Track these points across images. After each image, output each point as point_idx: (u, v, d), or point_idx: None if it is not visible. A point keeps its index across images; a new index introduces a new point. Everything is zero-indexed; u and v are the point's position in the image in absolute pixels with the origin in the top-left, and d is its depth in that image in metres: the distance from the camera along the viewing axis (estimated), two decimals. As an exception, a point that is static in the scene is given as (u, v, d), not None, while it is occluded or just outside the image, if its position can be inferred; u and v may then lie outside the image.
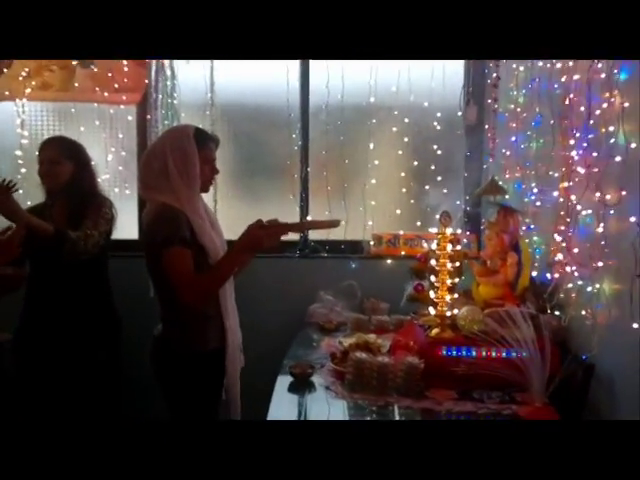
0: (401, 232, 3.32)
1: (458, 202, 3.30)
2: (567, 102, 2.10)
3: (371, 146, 3.29)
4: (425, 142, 3.30)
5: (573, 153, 2.07)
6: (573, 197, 2.07)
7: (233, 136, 3.34)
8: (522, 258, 2.34)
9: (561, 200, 2.12)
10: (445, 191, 3.32)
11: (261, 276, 3.05)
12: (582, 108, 1.97)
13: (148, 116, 3.20)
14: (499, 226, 2.40)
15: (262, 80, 3.28)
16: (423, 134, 3.30)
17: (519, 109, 2.63)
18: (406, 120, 3.27)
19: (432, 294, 2.27)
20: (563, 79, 2.14)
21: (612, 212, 1.84)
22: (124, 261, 3.12)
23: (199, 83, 3.23)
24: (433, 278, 2.26)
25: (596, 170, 1.91)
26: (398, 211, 3.32)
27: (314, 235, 3.37)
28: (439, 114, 3.26)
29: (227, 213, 3.29)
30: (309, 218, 3.34)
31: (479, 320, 2.25)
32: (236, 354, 2.19)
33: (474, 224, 3.30)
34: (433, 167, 3.29)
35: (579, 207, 2.05)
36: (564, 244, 2.15)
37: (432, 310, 2.27)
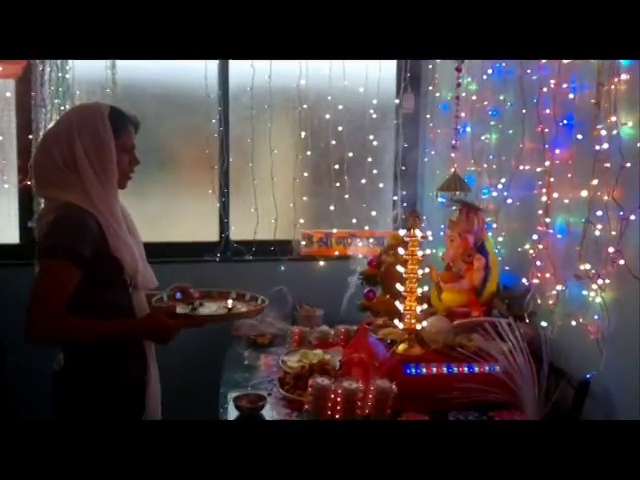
0: (334, 230, 3.01)
1: (395, 197, 3.05)
2: (545, 89, 1.89)
3: (302, 135, 2.94)
4: (360, 131, 3.01)
5: (548, 147, 1.86)
6: (555, 194, 1.87)
7: (139, 119, 2.82)
8: (490, 261, 2.13)
9: (543, 198, 1.90)
10: (381, 185, 3.06)
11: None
12: (571, 95, 1.76)
13: (32, 93, 2.61)
14: (462, 226, 2.17)
15: (175, 55, 2.79)
16: (358, 122, 3.00)
17: (474, 97, 2.41)
18: (340, 107, 2.96)
19: (398, 304, 1.98)
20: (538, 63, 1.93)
21: (610, 212, 1.65)
22: (3, 271, 2.58)
23: (98, 55, 2.68)
24: (400, 287, 1.97)
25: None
26: (331, 207, 3.00)
27: (237, 235, 2.97)
28: (375, 101, 2.98)
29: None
30: (232, 229, 2.93)
31: (447, 331, 2.01)
32: (157, 385, 1.79)
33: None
34: (370, 159, 3.01)
35: (561, 205, 1.85)
36: (540, 246, 1.94)
37: (398, 323, 1.98)
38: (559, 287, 1.86)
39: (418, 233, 1.91)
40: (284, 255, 2.95)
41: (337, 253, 3.00)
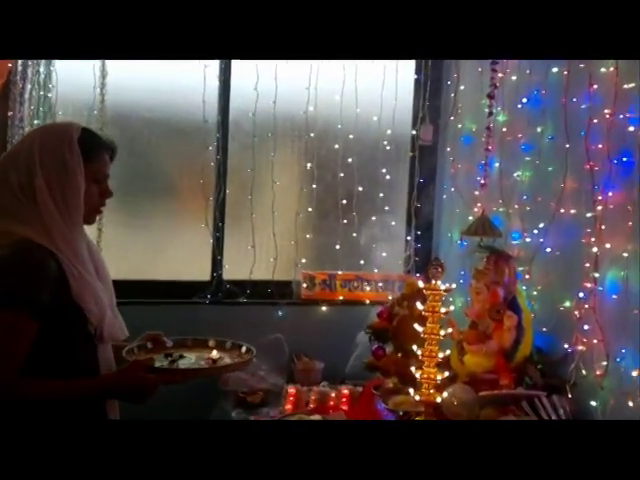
0: (339, 272, 2.71)
1: (409, 238, 2.75)
2: (596, 120, 1.60)
3: (308, 166, 2.66)
4: (372, 164, 2.73)
5: (599, 188, 1.56)
6: (607, 245, 1.56)
7: (128, 145, 2.56)
8: (523, 319, 1.81)
9: (592, 249, 1.59)
10: (393, 224, 2.77)
11: (160, 328, 2.24)
12: (631, 128, 1.47)
13: (10, 112, 2.34)
14: (490, 276, 1.86)
15: (170, 74, 2.54)
16: (370, 154, 2.73)
17: (504, 129, 2.12)
18: (351, 136, 2.69)
19: (413, 370, 1.66)
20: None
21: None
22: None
23: (85, 72, 2.42)
24: (416, 348, 1.64)
25: None
26: (337, 246, 2.70)
27: (231, 274, 2.66)
28: (389, 131, 2.71)
29: (116, 247, 2.51)
30: (226, 267, 2.63)
31: (472, 404, 1.68)
32: None
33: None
34: (381, 194, 2.72)
35: (614, 258, 1.54)
36: (587, 305, 1.63)
37: (414, 393, 1.65)
38: (610, 357, 1.53)
39: (441, 285, 1.60)
40: (282, 298, 2.65)
41: (341, 298, 2.69)
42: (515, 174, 2.07)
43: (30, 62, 2.37)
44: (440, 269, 1.61)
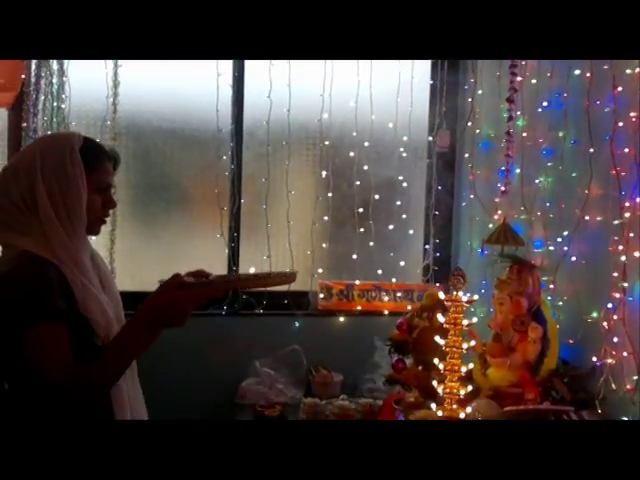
0: (356, 282, 2.66)
1: (427, 246, 2.70)
2: (622, 124, 1.54)
3: (323, 174, 2.62)
4: (388, 171, 2.69)
5: (626, 194, 1.50)
6: (636, 253, 1.49)
7: (142, 155, 2.55)
8: (548, 331, 1.74)
9: (620, 258, 1.53)
10: (411, 232, 2.72)
11: (174, 341, 2.20)
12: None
13: (24, 123, 2.34)
14: (513, 286, 1.80)
15: (183, 83, 2.53)
16: (386, 162, 2.68)
17: (524, 134, 2.07)
18: (366, 144, 2.64)
19: (435, 384, 1.60)
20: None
21: None
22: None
23: (98, 83, 2.41)
24: (438, 362, 1.59)
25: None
26: (354, 255, 2.64)
27: (246, 285, 2.62)
28: (405, 138, 2.66)
29: (129, 258, 2.49)
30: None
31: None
32: None
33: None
34: (398, 202, 2.67)
35: None
36: (615, 316, 1.56)
37: (436, 408, 1.59)
38: (642, 371, 1.47)
39: (463, 296, 1.55)
40: (299, 309, 2.60)
41: (359, 308, 2.64)
42: (537, 180, 2.01)
43: (43, 73, 2.37)
44: (462, 279, 1.56)
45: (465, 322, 1.54)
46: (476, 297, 1.60)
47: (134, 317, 1.34)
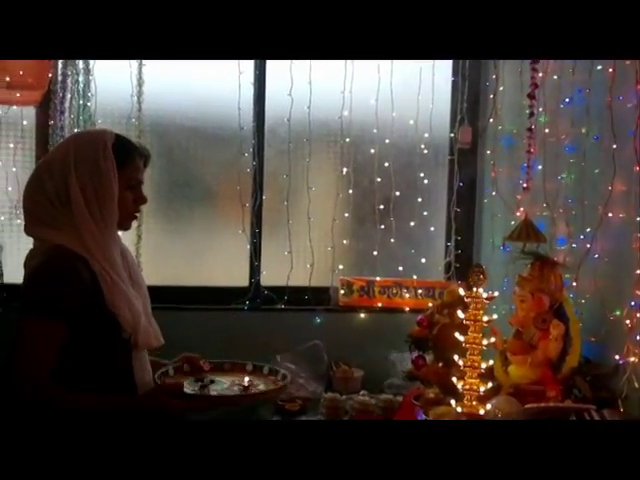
0: (377, 278, 2.66)
1: (449, 244, 2.69)
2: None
3: (344, 171, 2.63)
4: (409, 168, 2.68)
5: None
6: (660, 250, 1.48)
7: (166, 152, 2.59)
8: (570, 328, 1.73)
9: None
10: (432, 229, 2.71)
11: (198, 335, 2.25)
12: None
13: (51, 121, 2.40)
14: (535, 283, 1.79)
15: (206, 82, 2.56)
16: (407, 158, 2.68)
17: (546, 130, 2.05)
18: (387, 141, 2.64)
19: (455, 380, 1.60)
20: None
21: None
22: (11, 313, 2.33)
23: (123, 81, 2.45)
24: (458, 358, 1.59)
25: None
26: (375, 252, 2.65)
27: (268, 280, 2.65)
28: (426, 135, 2.66)
29: (155, 253, 2.53)
30: (263, 273, 2.61)
31: (517, 417, 1.61)
32: None
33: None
34: (419, 199, 2.67)
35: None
36: (639, 314, 1.55)
37: (455, 405, 1.60)
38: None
39: (483, 293, 1.55)
40: (320, 305, 2.61)
41: (380, 304, 2.64)
42: (559, 177, 1.99)
43: (69, 72, 2.41)
44: (482, 276, 1.56)
45: (485, 318, 1.54)
46: (496, 294, 1.60)
47: (124, 402, 1.37)
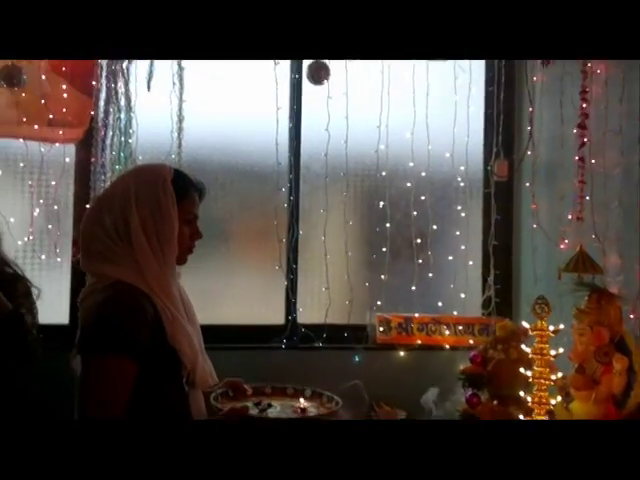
0: (415, 314, 2.61)
1: (489, 278, 2.65)
2: None
3: (380, 204, 2.61)
4: (446, 201, 2.67)
5: None
6: None
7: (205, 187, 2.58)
8: (633, 362, 1.67)
9: None
10: (471, 263, 2.67)
11: (234, 374, 2.18)
12: None
13: (92, 158, 2.40)
14: (594, 316, 1.74)
15: (244, 117, 2.57)
16: (443, 192, 2.67)
17: (593, 160, 2.04)
18: (423, 174, 2.63)
19: (522, 418, 1.54)
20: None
21: None
22: (51, 354, 2.29)
23: (163, 118, 2.47)
24: (523, 394, 1.53)
25: None
26: (413, 287, 2.61)
27: (305, 318, 2.60)
28: (462, 168, 2.65)
29: (191, 288, 2.48)
30: (300, 310, 2.58)
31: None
32: None
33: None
34: (457, 233, 2.64)
35: None
36: None
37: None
38: None
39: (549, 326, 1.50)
40: (357, 342, 2.56)
41: (419, 342, 2.59)
42: (611, 206, 1.97)
43: (111, 109, 2.42)
44: (546, 307, 1.52)
45: (552, 352, 1.49)
46: (562, 327, 1.55)
47: None
